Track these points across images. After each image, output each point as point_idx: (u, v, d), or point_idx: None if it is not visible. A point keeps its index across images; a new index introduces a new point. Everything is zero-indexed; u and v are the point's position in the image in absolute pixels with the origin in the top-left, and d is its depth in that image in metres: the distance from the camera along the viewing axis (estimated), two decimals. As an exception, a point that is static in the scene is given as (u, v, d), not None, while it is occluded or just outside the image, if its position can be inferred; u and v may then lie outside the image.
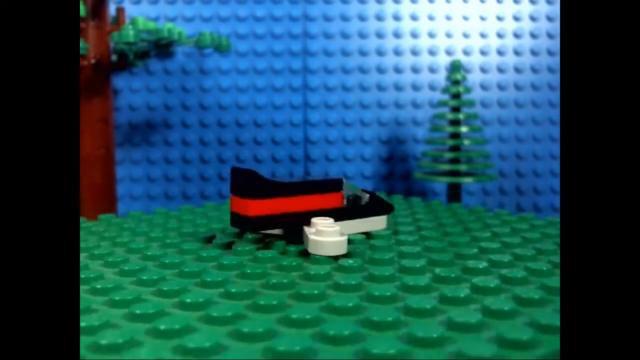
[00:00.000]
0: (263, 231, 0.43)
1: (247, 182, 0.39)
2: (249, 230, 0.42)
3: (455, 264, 0.36)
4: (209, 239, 0.43)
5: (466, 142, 0.78)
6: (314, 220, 0.39)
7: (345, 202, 0.43)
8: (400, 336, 0.25)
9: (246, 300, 0.29)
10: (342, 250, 0.37)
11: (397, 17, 0.89)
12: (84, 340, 0.24)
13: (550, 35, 0.91)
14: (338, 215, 0.42)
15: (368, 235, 0.44)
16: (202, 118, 0.88)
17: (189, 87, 0.87)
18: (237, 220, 0.40)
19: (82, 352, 0.23)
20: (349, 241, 0.40)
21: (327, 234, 0.37)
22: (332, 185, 0.42)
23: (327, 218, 0.40)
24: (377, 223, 0.45)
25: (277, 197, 0.40)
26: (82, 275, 0.32)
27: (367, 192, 0.45)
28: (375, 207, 0.45)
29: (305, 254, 0.38)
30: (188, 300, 0.28)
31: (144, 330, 0.25)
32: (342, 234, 0.38)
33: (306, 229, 0.39)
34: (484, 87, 0.90)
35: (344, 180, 0.43)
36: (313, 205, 0.41)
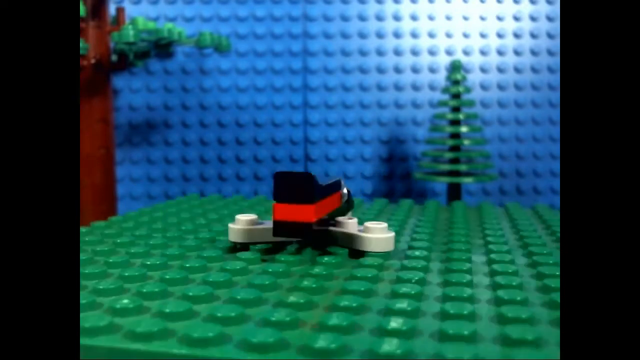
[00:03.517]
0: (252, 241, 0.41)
1: (304, 186, 0.36)
2: (306, 238, 0.37)
3: None
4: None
5: (466, 142, 0.78)
6: (342, 219, 0.40)
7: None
8: None
9: None
10: (392, 246, 0.38)
11: (397, 17, 0.89)
12: (448, 326, 0.25)
13: (550, 35, 0.91)
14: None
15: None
16: (202, 118, 0.88)
17: (189, 87, 0.87)
18: (288, 228, 0.36)
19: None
20: None
21: (378, 231, 0.38)
22: (338, 184, 0.42)
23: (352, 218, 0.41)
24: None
25: (324, 199, 0.38)
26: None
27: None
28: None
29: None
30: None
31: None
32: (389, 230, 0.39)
33: (346, 229, 0.39)
34: (484, 87, 0.90)
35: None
36: (334, 205, 0.41)
